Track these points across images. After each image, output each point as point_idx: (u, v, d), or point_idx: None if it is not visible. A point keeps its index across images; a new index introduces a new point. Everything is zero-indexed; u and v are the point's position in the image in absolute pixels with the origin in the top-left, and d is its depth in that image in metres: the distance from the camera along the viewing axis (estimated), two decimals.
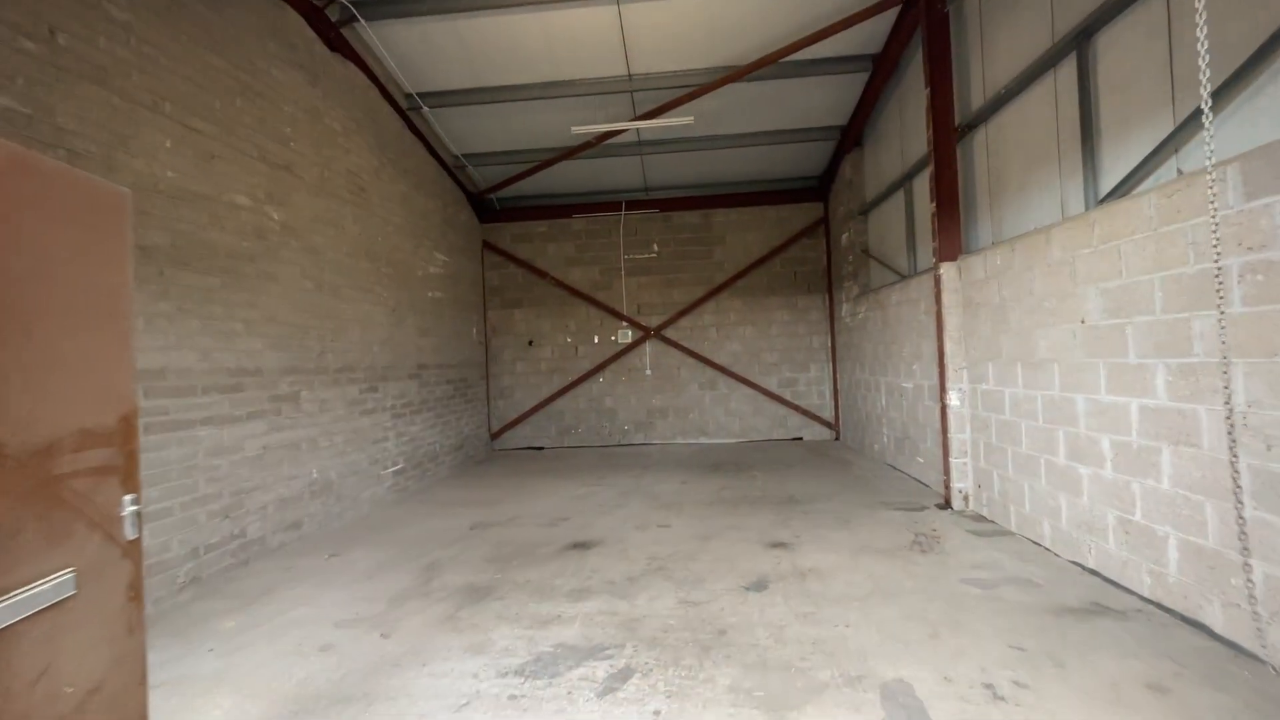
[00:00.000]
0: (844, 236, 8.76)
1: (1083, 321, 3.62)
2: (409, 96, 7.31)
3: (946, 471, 5.28)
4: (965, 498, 5.17)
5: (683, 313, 9.88)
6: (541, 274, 10.10)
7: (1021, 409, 4.31)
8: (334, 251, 5.85)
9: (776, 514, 5.33)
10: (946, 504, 5.30)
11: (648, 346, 9.99)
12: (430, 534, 5.18)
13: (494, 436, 10.09)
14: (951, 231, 5.27)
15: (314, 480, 5.35)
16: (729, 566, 4.06)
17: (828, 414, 9.74)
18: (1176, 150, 3.20)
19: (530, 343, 10.16)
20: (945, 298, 5.22)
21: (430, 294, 7.95)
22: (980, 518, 4.93)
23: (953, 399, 5.20)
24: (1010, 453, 4.50)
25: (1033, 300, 4.12)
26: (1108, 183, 3.71)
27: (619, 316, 9.98)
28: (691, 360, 9.91)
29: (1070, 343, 3.74)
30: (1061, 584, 3.52)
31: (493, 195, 9.86)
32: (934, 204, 5.34)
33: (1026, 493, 4.31)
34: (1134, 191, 3.43)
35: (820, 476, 6.87)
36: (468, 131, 8.14)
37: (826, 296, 9.77)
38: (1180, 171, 3.16)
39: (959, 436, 5.18)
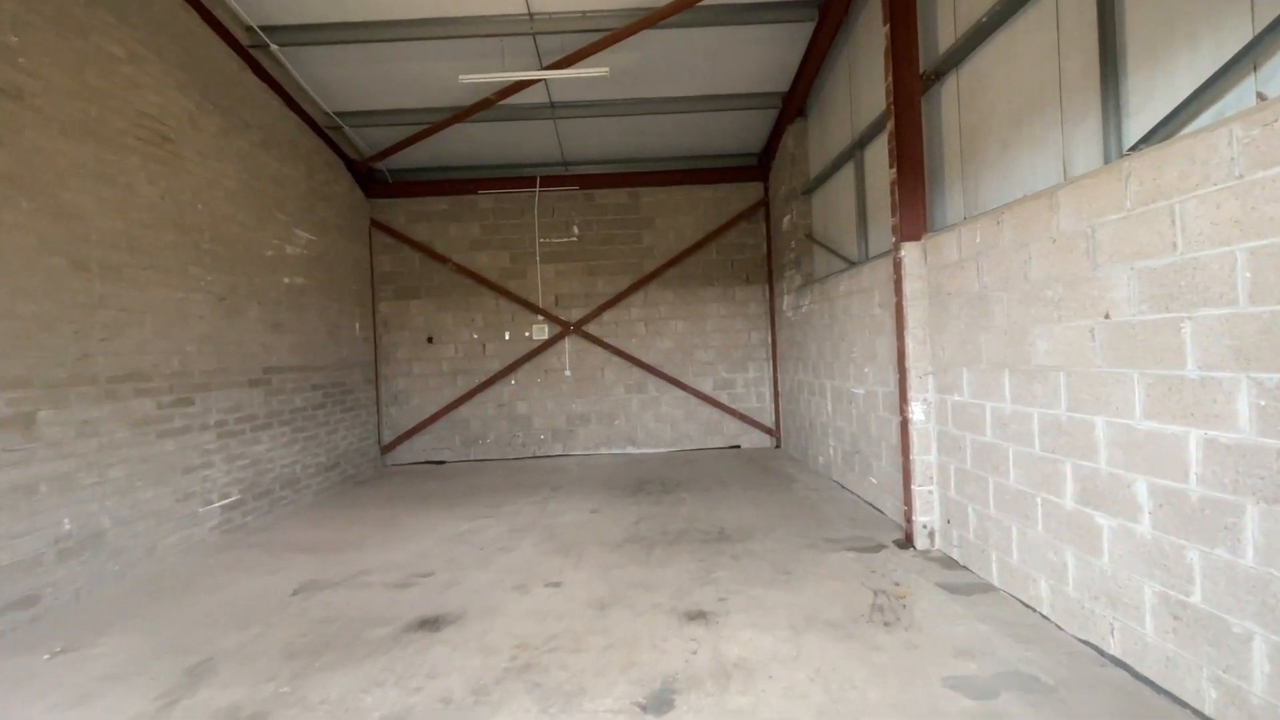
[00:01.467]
0: (785, 220, 7.74)
1: (1107, 316, 2.61)
2: (251, 31, 5.77)
3: (908, 501, 4.27)
4: (931, 534, 4.18)
5: (607, 305, 8.66)
6: (441, 259, 8.66)
7: (1010, 430, 3.31)
8: (113, 219, 4.32)
9: (701, 560, 4.20)
10: (908, 541, 4.30)
11: (567, 344, 8.73)
12: (233, 603, 3.78)
13: (386, 450, 8.61)
14: (915, 204, 4.25)
15: (65, 534, 3.85)
16: (625, 660, 2.88)
17: (768, 419, 8.75)
18: (1256, 67, 2.20)
19: (430, 339, 8.71)
20: (907, 286, 4.20)
21: (287, 280, 6.43)
22: (951, 562, 3.94)
23: (915, 412, 4.19)
24: (992, 485, 3.50)
25: (1028, 288, 3.11)
26: (1140, 124, 2.71)
27: (533, 309, 8.67)
28: (617, 359, 8.72)
29: (1086, 345, 2.73)
30: (1080, 686, 2.50)
31: (380, 165, 8.34)
32: (894, 169, 4.30)
33: (1015, 538, 3.31)
34: (1185, 131, 2.43)
35: (758, 498, 5.81)
36: (340, 83, 6.64)
37: (767, 287, 8.75)
38: (1263, 96, 2.16)
39: (923, 459, 4.18)
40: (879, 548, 4.28)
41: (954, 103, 4.19)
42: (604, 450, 8.75)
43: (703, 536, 4.71)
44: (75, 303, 4.00)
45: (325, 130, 7.34)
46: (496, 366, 8.68)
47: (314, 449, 6.79)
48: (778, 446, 8.62)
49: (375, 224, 8.55)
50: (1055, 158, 3.23)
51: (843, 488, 6.03)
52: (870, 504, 5.35)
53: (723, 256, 8.76)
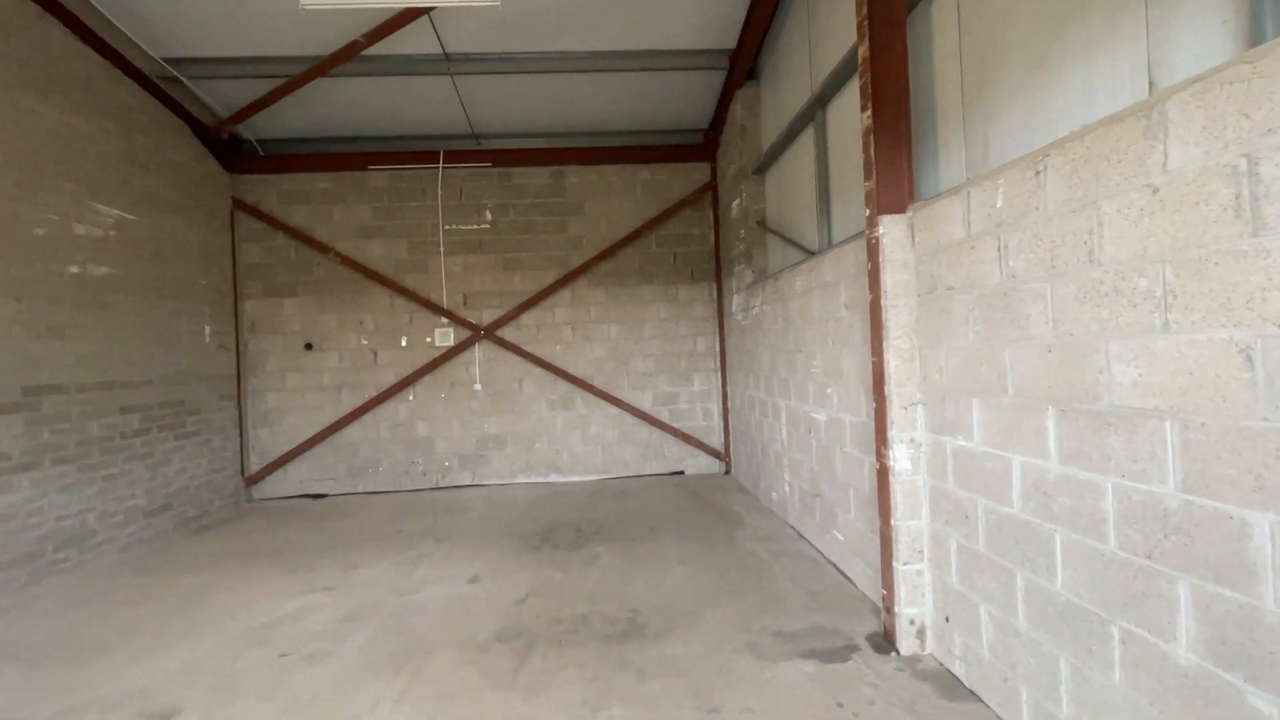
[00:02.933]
0: (735, 204, 6.48)
1: None
2: None
3: (888, 583, 3.01)
4: (920, 633, 2.92)
5: (526, 305, 7.26)
6: (323, 248, 7.12)
7: (1058, 505, 2.06)
8: None
9: (594, 680, 2.85)
10: (888, 641, 3.03)
11: (478, 351, 7.29)
12: None
13: (253, 481, 7.01)
14: (896, 161, 3.00)
15: None
16: None
17: (716, 440, 7.48)
18: None
19: (308, 346, 7.16)
20: (887, 277, 2.94)
21: (76, 269, 4.84)
22: (953, 684, 2.68)
23: (898, 457, 2.93)
24: (1022, 584, 2.25)
25: (1097, 275, 1.87)
26: None
27: (436, 310, 7.20)
28: (538, 370, 7.32)
29: (1231, 374, 1.49)
30: None
31: (245, 133, 6.77)
32: (868, 113, 3.04)
33: (1068, 680, 2.06)
34: None
35: (692, 554, 4.50)
36: (167, 19, 5.08)
37: (715, 286, 7.49)
38: None
39: (909, 524, 2.92)
40: (848, 651, 3.00)
41: (951, 20, 2.95)
42: (521, 479, 7.33)
43: (606, 629, 3.36)
44: None
45: (156, 82, 5.76)
46: (391, 379, 7.19)
47: (123, 490, 5.19)
48: (727, 473, 7.35)
49: (241, 205, 6.97)
50: (1133, 60, 1.99)
51: (800, 536, 4.77)
52: (835, 566, 4.10)
53: (664, 249, 7.46)
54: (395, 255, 7.22)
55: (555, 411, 7.35)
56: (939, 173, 3.09)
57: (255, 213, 7.01)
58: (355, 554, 4.90)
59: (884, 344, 2.96)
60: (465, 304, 7.28)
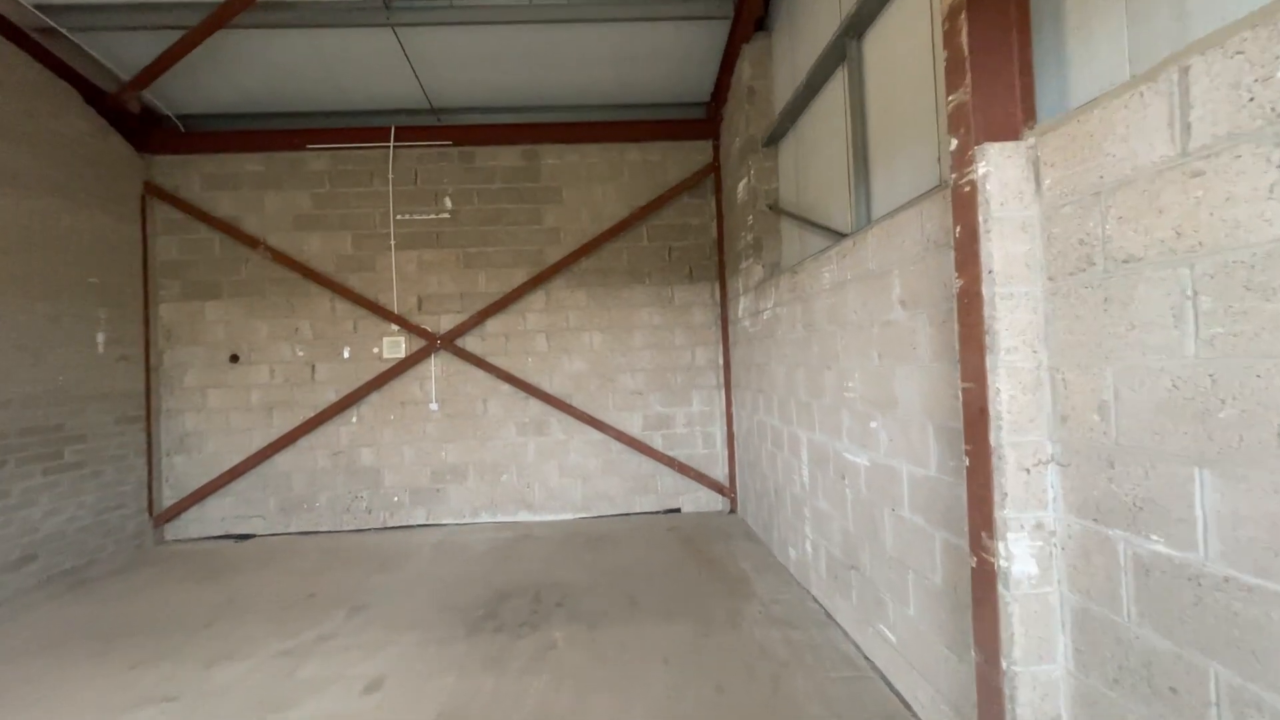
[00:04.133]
0: (741, 185, 5.31)
1: None
2: None
3: None
4: None
5: (493, 310, 6.09)
6: (252, 242, 6.00)
7: None
8: None
9: None
10: None
11: (434, 365, 6.13)
12: None
13: (165, 519, 5.85)
14: (1006, 57, 1.81)
15: None
16: None
17: (719, 471, 6.25)
18: None
19: (234, 358, 6.02)
20: (994, 246, 1.74)
21: None
22: None
23: (1014, 554, 1.71)
24: None
25: None
26: None
27: (385, 315, 6.05)
28: (506, 388, 6.14)
29: None
30: None
31: (157, 103, 5.68)
32: None
33: None
34: None
35: (679, 648, 3.27)
36: None
37: (717, 286, 6.29)
38: None
39: (1033, 670, 1.70)
40: None
41: None
42: (485, 518, 6.13)
43: None
44: None
45: (30, 35, 4.69)
46: (331, 397, 6.03)
47: None
48: (732, 511, 6.11)
49: (155, 191, 5.87)
50: None
51: (829, 618, 3.53)
52: (882, 676, 2.85)
53: (657, 243, 6.28)
54: (338, 250, 6.09)
55: (527, 437, 6.16)
56: (1067, 77, 1.88)
57: (173, 200, 5.90)
58: (235, 634, 3.70)
59: (986, 360, 1.76)
60: (420, 308, 6.12)
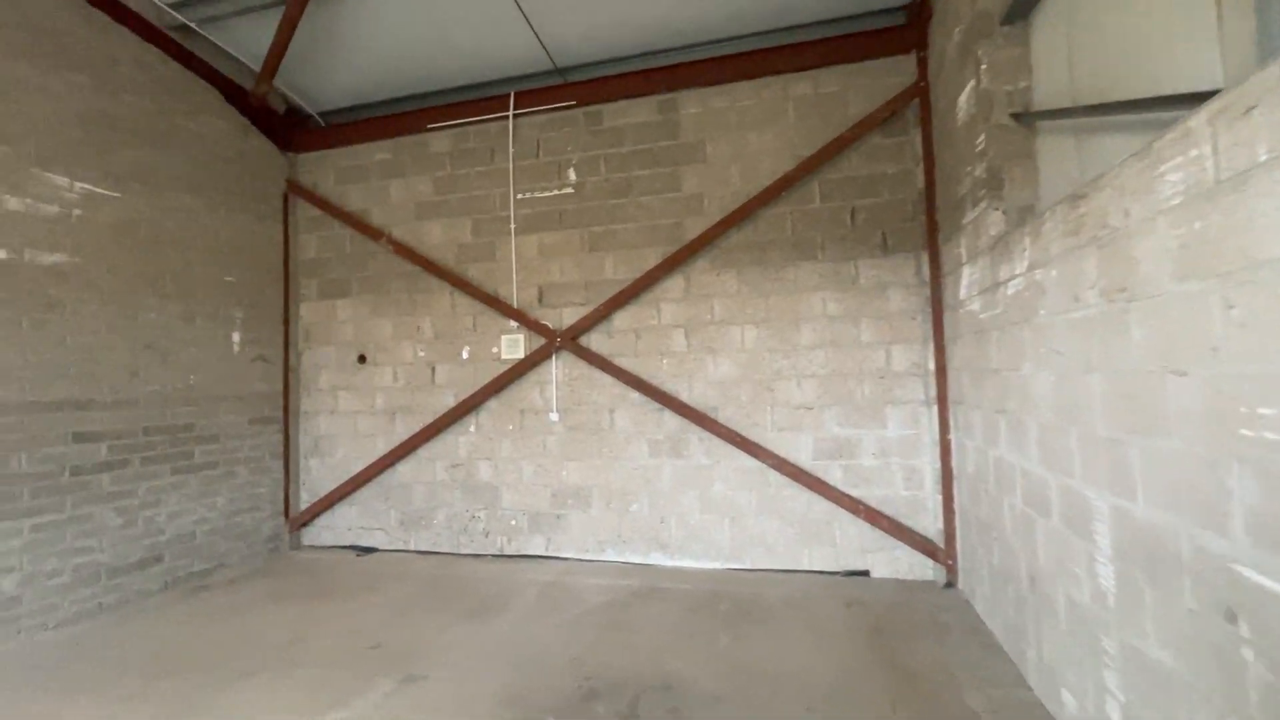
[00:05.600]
0: (963, 97, 3.49)
1: None
2: None
3: None
4: None
5: (620, 300, 4.95)
6: (375, 235, 5.62)
7: None
8: None
9: None
10: None
11: (555, 367, 5.16)
12: None
13: (297, 525, 5.69)
14: None
15: None
16: None
17: (929, 523, 4.34)
18: None
19: (361, 359, 5.69)
20: None
21: (4, 255, 3.71)
22: None
23: None
24: None
25: None
26: None
27: (505, 311, 5.25)
28: (636, 396, 4.94)
29: None
30: None
31: (299, 100, 5.56)
32: None
33: None
34: None
35: None
36: None
37: (925, 257, 4.41)
38: None
39: None
40: None
41: None
42: (611, 555, 4.97)
43: None
44: None
45: (169, 34, 4.69)
46: (450, 402, 5.39)
47: (73, 543, 3.97)
48: (950, 585, 4.17)
49: (296, 189, 5.79)
50: None
51: None
52: None
53: (834, 203, 4.61)
54: (458, 239, 5.45)
55: (661, 458, 4.89)
56: None
57: (309, 196, 5.77)
58: (261, 697, 2.97)
59: None
60: (540, 301, 5.21)
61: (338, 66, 5.23)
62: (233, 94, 5.21)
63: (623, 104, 5.06)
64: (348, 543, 5.65)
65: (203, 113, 4.98)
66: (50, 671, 3.31)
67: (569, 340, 5.04)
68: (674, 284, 4.89)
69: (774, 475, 4.62)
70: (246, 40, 4.89)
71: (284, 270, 5.71)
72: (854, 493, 4.46)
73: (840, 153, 4.56)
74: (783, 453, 4.60)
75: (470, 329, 5.38)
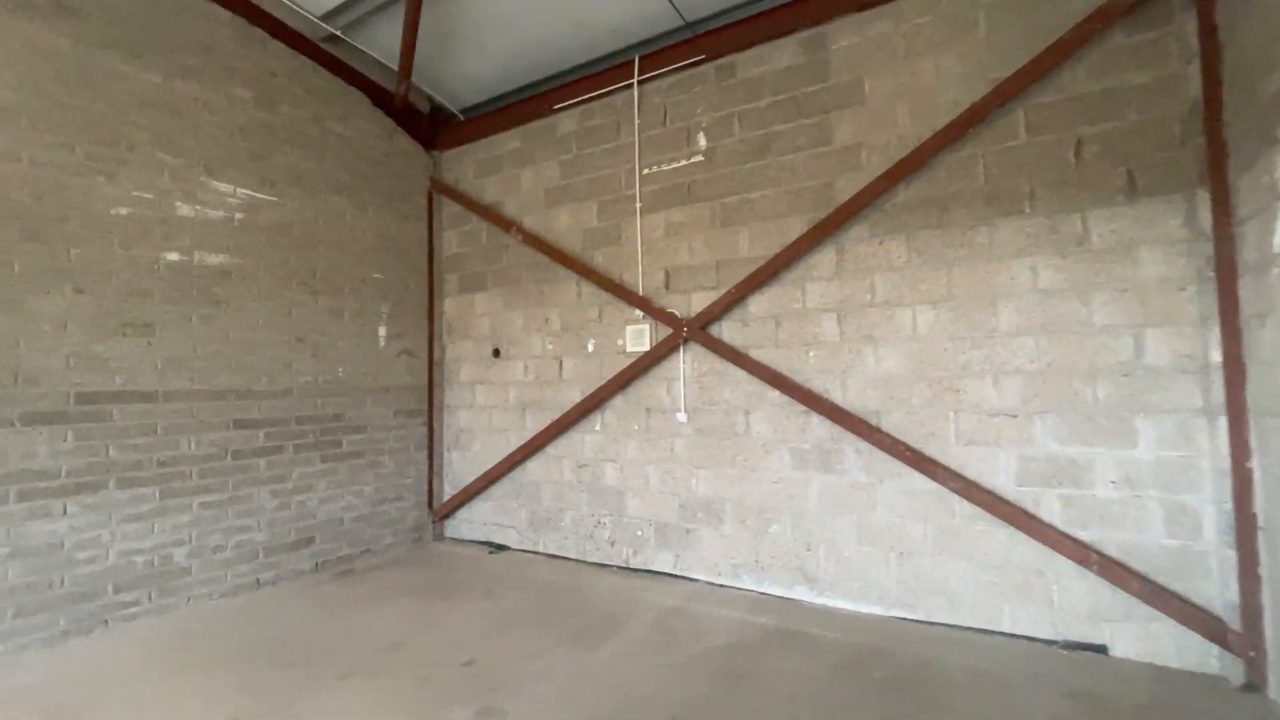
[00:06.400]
0: None
1: None
2: None
3: None
4: None
5: (757, 281, 4.18)
6: (506, 226, 5.49)
7: None
8: None
9: None
10: None
11: (683, 360, 4.55)
12: None
13: (439, 516, 5.79)
14: None
15: None
16: None
17: (1209, 589, 2.94)
18: None
19: (495, 353, 5.61)
20: None
21: (176, 256, 4.08)
22: None
23: None
24: None
25: None
26: None
27: (630, 299, 4.77)
28: (775, 395, 4.13)
29: None
30: None
31: (441, 99, 5.65)
32: None
33: None
34: None
35: None
36: None
37: (1203, 197, 3.00)
38: None
39: None
40: None
41: None
42: (747, 582, 4.22)
43: None
44: None
45: (319, 45, 4.96)
46: (576, 397, 5.05)
47: (234, 521, 4.29)
48: (1251, 688, 2.76)
49: (439, 187, 5.90)
50: None
51: None
52: None
53: (1049, 135, 3.37)
54: (583, 223, 5.09)
55: (806, 471, 4.02)
56: None
57: (451, 193, 5.83)
58: (356, 699, 2.77)
59: None
60: (667, 286, 4.63)
61: (468, 59, 5.16)
62: (379, 98, 5.40)
63: (760, 50, 4.27)
64: (483, 538, 5.60)
65: (352, 117, 5.21)
66: (195, 642, 3.50)
67: (697, 330, 4.39)
68: (823, 258, 3.99)
69: (959, 503, 3.52)
70: (387, 41, 4.99)
71: (428, 266, 5.84)
72: (1081, 535, 3.20)
73: (1057, 66, 3.31)
74: (971, 473, 3.48)
75: (595, 320, 4.99)
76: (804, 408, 4.01)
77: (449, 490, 5.84)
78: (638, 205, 4.76)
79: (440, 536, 5.82)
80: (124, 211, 3.85)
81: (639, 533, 4.71)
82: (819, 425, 3.97)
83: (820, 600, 3.93)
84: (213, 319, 4.25)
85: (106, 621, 3.70)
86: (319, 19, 4.78)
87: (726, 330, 4.34)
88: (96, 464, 3.69)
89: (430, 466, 5.77)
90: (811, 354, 4.02)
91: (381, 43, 5.02)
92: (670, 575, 4.52)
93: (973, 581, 3.48)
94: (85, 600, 3.63)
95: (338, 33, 4.88)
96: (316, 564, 4.82)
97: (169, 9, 4.11)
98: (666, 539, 4.57)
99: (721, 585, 4.30)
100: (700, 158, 4.50)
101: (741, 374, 4.26)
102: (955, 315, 3.58)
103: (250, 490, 4.43)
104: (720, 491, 4.35)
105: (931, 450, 3.60)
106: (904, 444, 3.65)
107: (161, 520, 3.96)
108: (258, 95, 4.56)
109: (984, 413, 3.48)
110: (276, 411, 4.60)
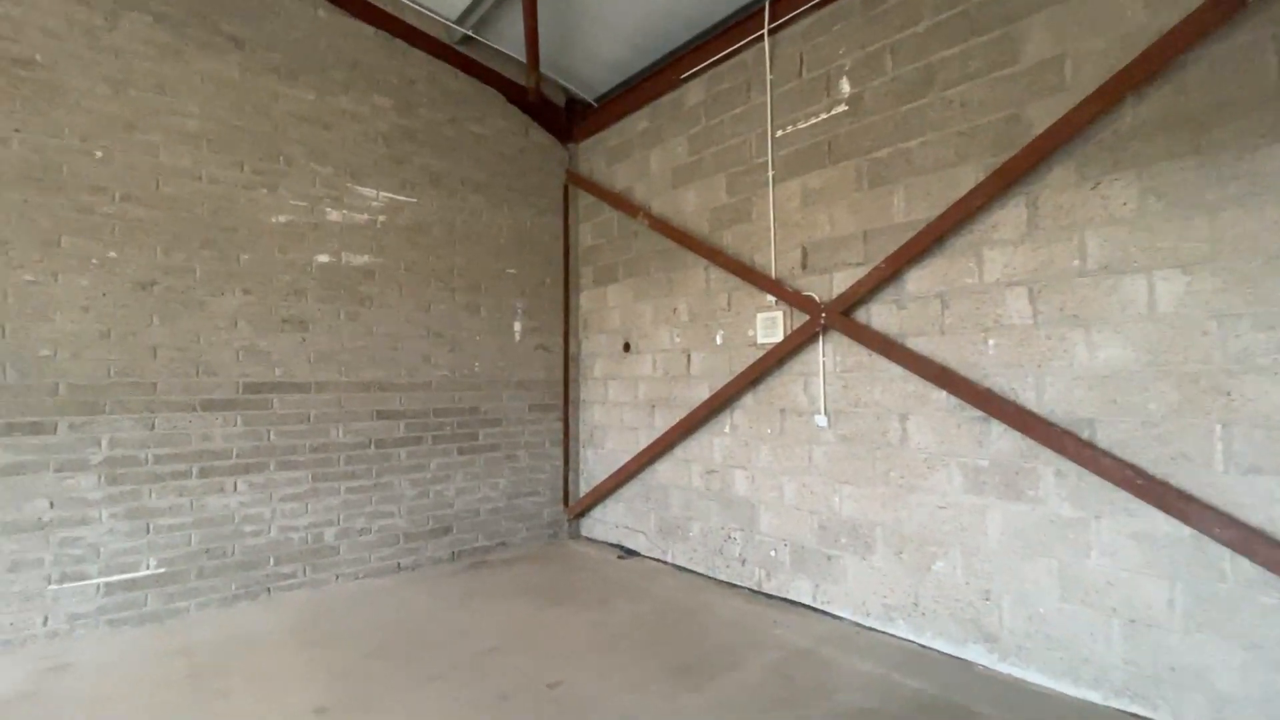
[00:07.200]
0: None
1: None
2: None
3: None
4: None
5: (915, 250, 3.31)
6: (632, 210, 5.17)
7: None
8: None
9: None
10: None
11: (821, 353, 3.81)
12: None
13: (574, 513, 5.68)
14: None
15: None
16: None
17: None
18: None
19: (626, 347, 5.34)
20: None
21: (326, 258, 4.42)
22: None
23: None
24: None
25: None
26: None
27: (760, 283, 4.15)
28: (941, 396, 3.23)
29: None
30: None
31: (575, 89, 5.55)
32: None
33: None
34: None
35: None
36: None
37: None
38: None
39: None
40: None
41: None
42: (902, 628, 3.38)
43: None
44: None
45: (454, 48, 5.10)
46: (704, 394, 4.55)
47: (376, 506, 4.55)
48: None
49: (574, 178, 5.80)
50: None
51: None
52: None
53: None
54: (711, 201, 4.57)
55: (984, 497, 3.08)
56: None
57: (585, 184, 5.69)
58: (436, 705, 2.64)
59: None
60: (804, 265, 3.92)
61: (595, 40, 4.94)
62: (514, 95, 5.41)
63: None
64: (615, 540, 5.36)
65: (488, 116, 5.29)
66: (327, 620, 3.71)
67: (838, 315, 3.63)
68: (1007, 215, 3.02)
69: (1232, 559, 2.38)
70: (516, 34, 4.96)
71: (564, 260, 5.76)
72: None
73: None
74: (1256, 517, 2.32)
75: (724, 308, 4.44)
76: (980, 413, 3.07)
77: (584, 488, 5.71)
78: (769, 174, 4.12)
79: (576, 535, 5.71)
80: (283, 219, 4.24)
81: (772, 553, 4.07)
82: (1002, 436, 3.01)
83: (1002, 668, 2.97)
84: (358, 315, 4.54)
85: (269, 590, 4.10)
86: (453, 22, 4.90)
87: (876, 315, 3.52)
88: (260, 447, 4.10)
89: (565, 463, 5.68)
90: (991, 342, 3.06)
91: (511, 36, 5.01)
92: (807, 607, 3.82)
93: (1259, 682, 2.32)
94: (252, 569, 4.04)
95: (470, 33, 4.96)
96: (453, 553, 4.96)
97: (321, 31, 4.45)
98: (804, 564, 3.88)
99: (869, 628, 3.51)
100: (843, 107, 3.73)
101: (895, 369, 3.42)
102: (1223, 282, 2.42)
103: (391, 478, 4.66)
104: (869, 513, 3.55)
105: (1182, 479, 2.49)
106: (1134, 468, 2.57)
107: (314, 501, 4.30)
108: (398, 103, 4.79)
109: (1275, 426, 2.30)
110: (416, 404, 4.79)
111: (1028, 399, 2.92)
